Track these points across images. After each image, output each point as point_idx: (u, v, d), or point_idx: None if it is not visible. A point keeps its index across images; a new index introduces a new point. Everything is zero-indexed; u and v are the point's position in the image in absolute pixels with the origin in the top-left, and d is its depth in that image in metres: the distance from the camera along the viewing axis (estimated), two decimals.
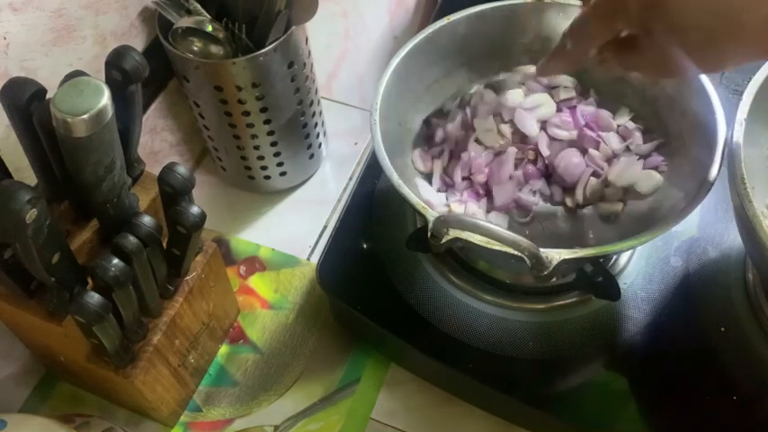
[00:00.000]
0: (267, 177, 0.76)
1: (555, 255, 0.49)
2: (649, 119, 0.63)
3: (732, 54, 0.44)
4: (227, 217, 0.78)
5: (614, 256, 0.62)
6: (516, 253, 0.48)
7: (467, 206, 0.61)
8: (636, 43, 0.48)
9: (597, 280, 0.57)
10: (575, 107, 0.63)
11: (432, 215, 0.51)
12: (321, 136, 0.78)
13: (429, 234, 0.50)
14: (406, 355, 0.65)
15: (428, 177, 0.64)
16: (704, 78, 0.56)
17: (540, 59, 0.57)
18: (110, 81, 0.48)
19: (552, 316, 0.61)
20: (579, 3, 0.62)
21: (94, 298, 0.46)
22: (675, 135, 0.60)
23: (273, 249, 0.75)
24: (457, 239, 0.50)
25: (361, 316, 0.62)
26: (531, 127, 0.62)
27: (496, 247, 0.49)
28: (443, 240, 0.50)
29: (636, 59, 0.49)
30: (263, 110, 0.67)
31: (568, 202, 0.61)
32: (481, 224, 0.49)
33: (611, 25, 0.47)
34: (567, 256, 0.49)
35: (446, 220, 0.50)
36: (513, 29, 0.65)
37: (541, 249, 0.48)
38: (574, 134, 0.62)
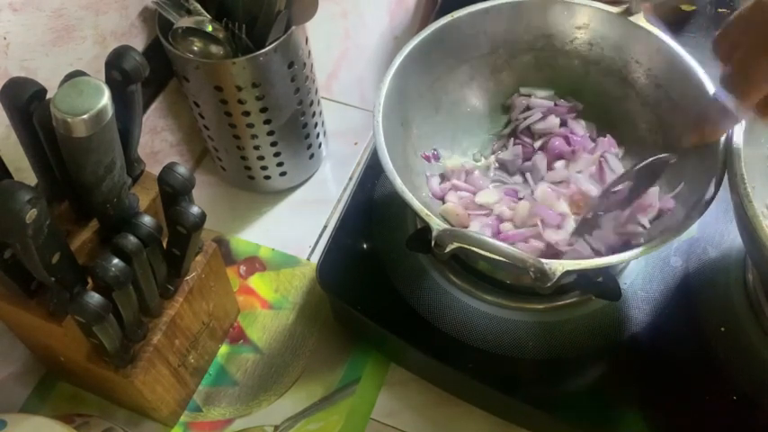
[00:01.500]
0: (267, 177, 0.76)
1: (558, 266, 0.49)
2: (652, 122, 0.63)
3: None
4: (227, 217, 0.78)
5: None
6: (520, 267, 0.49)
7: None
8: None
9: (597, 280, 0.57)
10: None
11: (436, 224, 0.51)
12: (321, 136, 0.78)
13: (433, 243, 0.50)
14: (406, 355, 0.65)
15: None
16: (706, 81, 0.56)
17: (690, 130, 0.53)
18: (110, 81, 0.48)
19: (552, 316, 0.61)
20: (584, 1, 0.62)
21: (94, 298, 0.46)
22: (678, 139, 0.60)
23: (273, 249, 0.75)
24: (461, 248, 0.50)
25: (361, 316, 0.62)
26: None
27: (500, 258, 0.49)
28: (447, 250, 0.50)
29: None
30: (263, 110, 0.67)
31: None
32: (487, 240, 0.49)
33: None
34: (570, 268, 0.49)
35: (452, 234, 0.50)
36: (515, 26, 0.65)
37: (544, 261, 0.48)
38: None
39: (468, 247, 0.50)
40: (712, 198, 0.52)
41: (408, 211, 0.66)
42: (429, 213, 0.52)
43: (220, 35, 0.63)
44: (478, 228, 0.60)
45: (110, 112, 0.44)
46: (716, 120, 0.51)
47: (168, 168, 0.50)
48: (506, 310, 0.61)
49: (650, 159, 0.57)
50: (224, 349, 0.69)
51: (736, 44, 0.44)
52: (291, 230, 0.76)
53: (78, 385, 0.66)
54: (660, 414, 0.57)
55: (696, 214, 0.52)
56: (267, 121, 0.68)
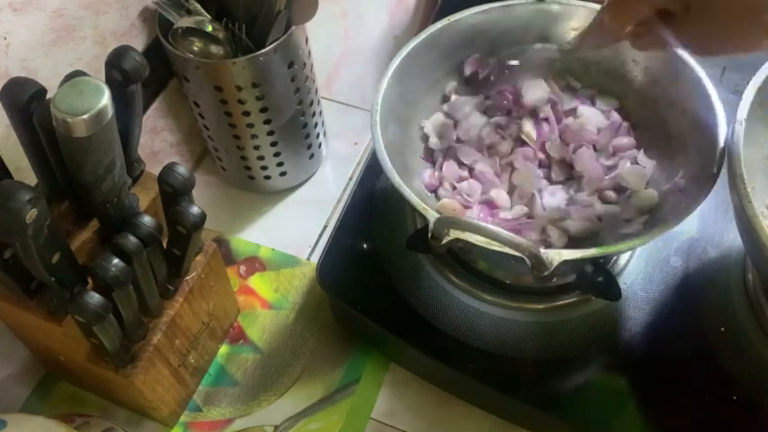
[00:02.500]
0: (267, 177, 0.76)
1: (555, 255, 0.49)
2: (650, 119, 0.63)
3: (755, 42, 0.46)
4: (227, 217, 0.78)
5: (614, 257, 0.62)
6: (517, 254, 0.48)
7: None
8: (673, 18, 0.48)
9: (597, 280, 0.57)
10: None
11: (432, 216, 0.51)
12: (321, 136, 0.78)
13: (429, 235, 0.50)
14: (406, 355, 0.65)
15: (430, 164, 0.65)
16: (704, 78, 0.56)
17: (577, 34, 0.57)
18: (110, 81, 0.48)
19: (552, 316, 0.61)
20: (581, 3, 0.62)
21: (94, 298, 0.46)
22: (676, 135, 0.60)
23: (273, 249, 0.75)
24: (457, 240, 0.50)
25: (361, 316, 0.62)
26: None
27: (497, 247, 0.49)
28: (444, 241, 0.50)
29: (672, 34, 0.48)
30: (263, 110, 0.67)
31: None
32: (482, 226, 0.49)
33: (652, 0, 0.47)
34: (568, 257, 0.49)
35: (447, 222, 0.50)
36: (514, 29, 0.65)
37: (542, 250, 0.48)
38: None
39: (463, 234, 0.49)
40: (707, 193, 0.52)
41: (408, 210, 0.66)
42: (426, 207, 0.52)
43: (220, 35, 0.63)
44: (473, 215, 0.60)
45: (110, 112, 0.44)
46: (597, 30, 0.55)
47: (168, 168, 0.50)
48: (506, 310, 0.61)
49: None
50: (224, 349, 0.69)
51: None
52: (291, 230, 0.76)
53: (78, 385, 0.66)
54: (660, 414, 0.57)
55: (692, 207, 0.51)
56: (267, 121, 0.68)
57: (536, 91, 0.64)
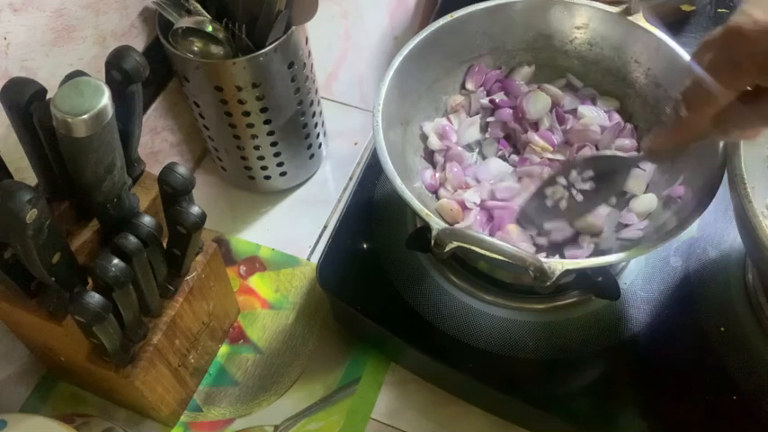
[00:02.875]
0: (267, 177, 0.76)
1: (558, 265, 0.49)
2: (652, 121, 0.63)
3: None
4: (227, 217, 0.78)
5: None
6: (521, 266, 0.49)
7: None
8: (761, 95, 0.42)
9: (597, 280, 0.57)
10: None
11: (436, 224, 0.51)
12: (321, 136, 0.78)
13: (432, 242, 0.50)
14: (406, 355, 0.65)
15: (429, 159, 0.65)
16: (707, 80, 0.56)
17: (649, 135, 0.53)
18: (110, 81, 0.48)
19: (552, 316, 0.61)
20: (584, 1, 0.62)
21: (95, 298, 0.46)
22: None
23: (273, 249, 0.75)
24: (460, 247, 0.50)
25: (361, 316, 0.62)
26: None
27: (500, 258, 0.49)
28: (447, 249, 0.50)
29: (765, 112, 0.43)
30: (264, 110, 0.67)
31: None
32: (486, 240, 0.49)
33: (736, 82, 0.42)
34: (570, 267, 0.49)
35: (450, 234, 0.50)
36: (515, 27, 0.65)
37: (544, 260, 0.48)
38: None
39: (467, 245, 0.50)
40: (711, 198, 0.52)
41: (408, 210, 0.66)
42: (429, 213, 0.52)
43: (220, 35, 0.63)
44: (472, 220, 0.60)
45: (110, 112, 0.44)
46: (676, 128, 0.50)
47: (168, 168, 0.50)
48: (506, 310, 0.61)
49: (611, 154, 0.59)
50: (224, 349, 0.69)
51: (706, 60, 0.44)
52: (291, 230, 0.76)
53: (78, 385, 0.66)
54: (660, 414, 0.57)
55: (695, 214, 0.52)
56: (267, 121, 0.68)
57: (538, 103, 0.64)
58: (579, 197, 0.59)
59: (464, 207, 0.60)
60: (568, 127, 0.63)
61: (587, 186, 0.60)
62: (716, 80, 0.43)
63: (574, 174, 0.60)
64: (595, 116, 0.63)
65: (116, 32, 0.62)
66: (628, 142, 0.62)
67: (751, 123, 0.45)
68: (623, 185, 0.60)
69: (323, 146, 0.79)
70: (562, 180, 0.60)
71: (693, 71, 0.44)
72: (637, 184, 0.60)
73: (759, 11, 0.40)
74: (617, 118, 0.64)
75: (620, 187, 0.60)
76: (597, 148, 0.62)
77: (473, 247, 0.50)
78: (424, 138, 0.65)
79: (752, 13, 0.40)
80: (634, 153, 0.62)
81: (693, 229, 0.64)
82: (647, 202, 0.59)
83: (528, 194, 0.60)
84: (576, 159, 0.61)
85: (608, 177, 0.60)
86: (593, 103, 0.65)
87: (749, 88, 0.43)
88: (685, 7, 0.82)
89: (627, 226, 0.58)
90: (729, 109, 0.44)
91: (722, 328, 0.59)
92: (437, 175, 0.63)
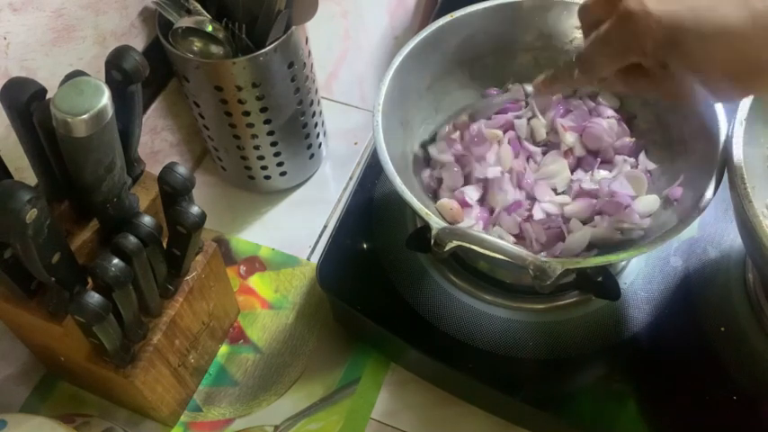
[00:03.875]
0: (267, 177, 0.76)
1: (557, 264, 0.49)
2: (651, 122, 0.63)
3: (753, 91, 0.46)
4: (227, 217, 0.78)
5: None
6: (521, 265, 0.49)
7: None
8: (646, 71, 0.47)
9: (597, 280, 0.57)
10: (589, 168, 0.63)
11: (436, 223, 0.51)
12: (321, 136, 0.78)
13: (432, 242, 0.50)
14: (406, 355, 0.65)
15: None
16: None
17: (539, 77, 0.55)
18: (110, 81, 0.48)
19: (552, 316, 0.61)
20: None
21: (94, 298, 0.46)
22: (677, 138, 0.60)
23: (273, 249, 0.75)
24: (460, 246, 0.50)
25: (361, 316, 0.62)
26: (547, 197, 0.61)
27: (500, 257, 0.49)
28: (447, 248, 0.50)
29: (644, 86, 0.48)
30: (263, 110, 0.67)
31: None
32: (486, 239, 0.49)
33: (624, 59, 0.46)
34: (570, 266, 0.49)
35: (451, 233, 0.50)
36: (515, 27, 0.65)
37: (543, 259, 0.48)
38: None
39: (467, 245, 0.50)
40: (711, 198, 0.52)
41: (408, 210, 0.66)
42: (429, 212, 0.52)
43: (220, 35, 0.63)
44: (473, 219, 0.60)
45: (110, 112, 0.44)
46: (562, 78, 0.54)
47: (168, 168, 0.50)
48: (506, 310, 0.61)
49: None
50: (224, 349, 0.69)
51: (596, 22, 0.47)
52: (291, 230, 0.76)
53: (78, 385, 0.66)
54: (660, 414, 0.57)
55: (695, 213, 0.52)
56: (267, 121, 0.68)
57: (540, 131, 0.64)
58: None
59: (465, 204, 0.60)
60: (586, 130, 0.63)
61: None
62: (607, 52, 0.46)
63: None
64: (605, 122, 0.63)
65: (116, 32, 0.62)
66: (627, 141, 0.62)
67: (641, 90, 0.49)
68: None
69: (323, 146, 0.79)
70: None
71: (584, 21, 0.49)
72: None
73: (653, 0, 0.43)
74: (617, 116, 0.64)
75: None
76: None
77: (473, 246, 0.50)
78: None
79: (645, 1, 0.43)
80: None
81: (693, 229, 0.64)
82: (648, 202, 0.59)
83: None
84: None
85: None
86: (594, 101, 0.65)
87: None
88: None
89: (627, 225, 0.58)
90: (612, 78, 0.49)
91: (722, 328, 0.59)
92: (435, 175, 0.63)
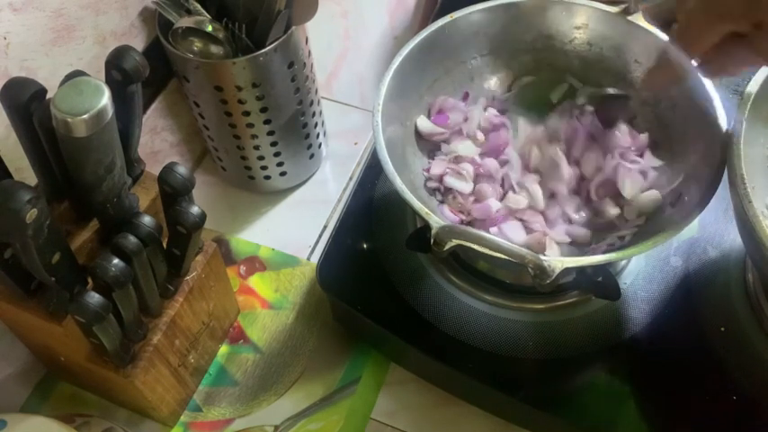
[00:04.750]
0: (267, 177, 0.76)
1: (557, 263, 0.49)
2: (651, 122, 0.63)
3: None
4: (227, 217, 0.78)
5: None
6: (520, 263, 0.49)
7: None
8: (743, 39, 0.46)
9: (597, 280, 0.57)
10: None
11: (436, 222, 0.51)
12: (321, 136, 0.78)
13: (432, 241, 0.50)
14: (406, 355, 0.65)
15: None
16: (705, 80, 0.56)
17: (644, 73, 0.57)
18: (110, 81, 0.48)
19: (552, 316, 0.61)
20: (584, 1, 0.62)
21: (94, 298, 0.46)
22: (677, 138, 0.60)
23: (273, 249, 0.75)
24: (460, 245, 0.50)
25: (361, 316, 0.62)
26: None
27: (500, 255, 0.49)
28: (446, 247, 0.50)
29: (745, 54, 0.47)
30: (263, 110, 0.67)
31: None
32: (486, 237, 0.49)
33: (718, 26, 0.46)
34: (570, 265, 0.49)
35: (450, 232, 0.50)
36: (515, 27, 0.65)
37: (544, 258, 0.48)
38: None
39: (466, 243, 0.50)
40: (711, 197, 0.52)
41: (408, 210, 0.66)
42: (428, 212, 0.52)
43: (220, 35, 0.63)
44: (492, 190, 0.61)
45: (110, 112, 0.44)
46: (666, 68, 0.54)
47: (168, 168, 0.50)
48: (506, 310, 0.61)
49: (607, 91, 0.62)
50: (224, 349, 0.69)
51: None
52: (291, 230, 0.76)
53: (78, 385, 0.66)
54: (660, 414, 0.57)
55: (695, 213, 0.52)
56: (267, 121, 0.68)
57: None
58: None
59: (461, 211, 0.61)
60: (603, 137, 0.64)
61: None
62: (699, 24, 0.47)
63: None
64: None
65: (116, 32, 0.62)
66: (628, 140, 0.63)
67: (745, 62, 0.49)
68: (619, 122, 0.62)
69: (323, 146, 0.79)
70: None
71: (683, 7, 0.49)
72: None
73: None
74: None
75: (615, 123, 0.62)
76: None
77: (472, 245, 0.50)
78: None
79: None
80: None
81: (693, 229, 0.64)
82: (649, 199, 0.59)
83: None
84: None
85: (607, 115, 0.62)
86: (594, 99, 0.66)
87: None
88: None
89: (627, 222, 0.58)
90: (713, 50, 0.48)
91: (722, 328, 0.59)
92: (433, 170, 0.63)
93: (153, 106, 0.71)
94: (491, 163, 0.62)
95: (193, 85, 0.66)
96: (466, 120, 0.65)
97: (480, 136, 0.64)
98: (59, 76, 0.47)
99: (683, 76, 0.53)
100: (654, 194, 0.59)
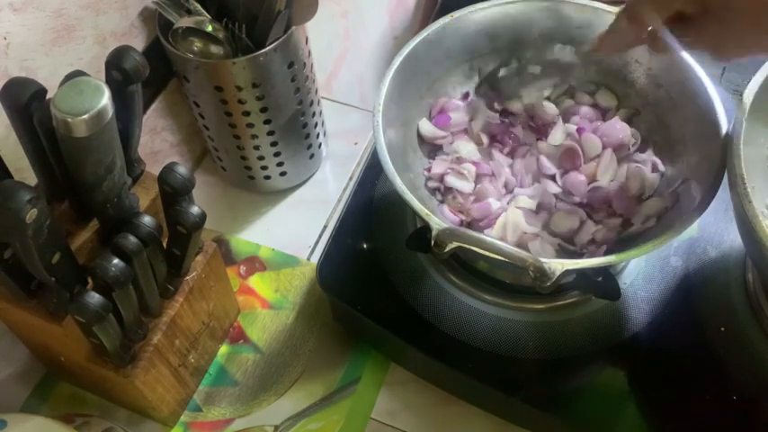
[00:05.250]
0: (267, 177, 0.76)
1: (558, 265, 0.49)
2: (651, 122, 0.63)
3: None
4: (227, 217, 0.78)
5: None
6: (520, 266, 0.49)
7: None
8: (691, 21, 0.48)
9: (597, 280, 0.57)
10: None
11: (436, 224, 0.51)
12: (321, 136, 0.78)
13: (432, 243, 0.50)
14: (406, 355, 0.65)
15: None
16: (705, 79, 0.56)
17: (592, 39, 0.57)
18: (110, 81, 0.48)
19: (552, 316, 0.61)
20: (584, 1, 0.62)
21: (94, 298, 0.46)
22: (678, 139, 0.60)
23: (273, 249, 0.75)
24: (460, 247, 0.50)
25: (361, 316, 0.62)
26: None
27: (500, 258, 0.49)
28: (447, 249, 0.50)
29: (692, 37, 0.49)
30: (263, 110, 0.67)
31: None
32: (486, 240, 0.49)
33: (669, 4, 0.47)
34: (570, 267, 0.49)
35: (450, 234, 0.50)
36: (515, 27, 0.65)
37: (544, 260, 0.48)
38: None
39: (467, 246, 0.50)
40: (711, 198, 0.52)
41: (408, 210, 0.66)
42: (429, 213, 0.52)
43: (220, 35, 0.63)
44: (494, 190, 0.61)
45: (110, 112, 0.44)
46: (615, 33, 0.55)
47: (168, 168, 0.50)
48: (506, 310, 0.61)
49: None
50: (224, 349, 0.69)
51: None
52: (291, 230, 0.76)
53: (78, 385, 0.66)
54: (660, 414, 0.57)
55: (696, 213, 0.52)
56: (267, 121, 0.68)
57: (548, 112, 0.65)
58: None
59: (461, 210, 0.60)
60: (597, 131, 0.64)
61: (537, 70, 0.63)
62: (649, 3, 0.49)
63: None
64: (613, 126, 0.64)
65: (116, 32, 0.62)
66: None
67: (689, 43, 0.50)
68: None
69: (323, 146, 0.79)
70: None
71: None
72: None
73: None
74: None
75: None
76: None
77: (473, 248, 0.50)
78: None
79: None
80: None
81: (693, 229, 0.64)
82: (651, 206, 0.59)
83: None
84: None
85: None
86: (593, 97, 0.66)
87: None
88: None
89: (630, 226, 0.58)
90: (660, 28, 0.50)
91: (722, 328, 0.59)
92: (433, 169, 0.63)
93: (153, 106, 0.71)
94: (494, 163, 0.62)
95: (193, 85, 0.66)
96: (468, 120, 0.65)
97: (484, 138, 0.64)
98: (59, 76, 0.47)
99: (631, 44, 0.55)
100: (656, 200, 0.59)
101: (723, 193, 0.52)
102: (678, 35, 0.49)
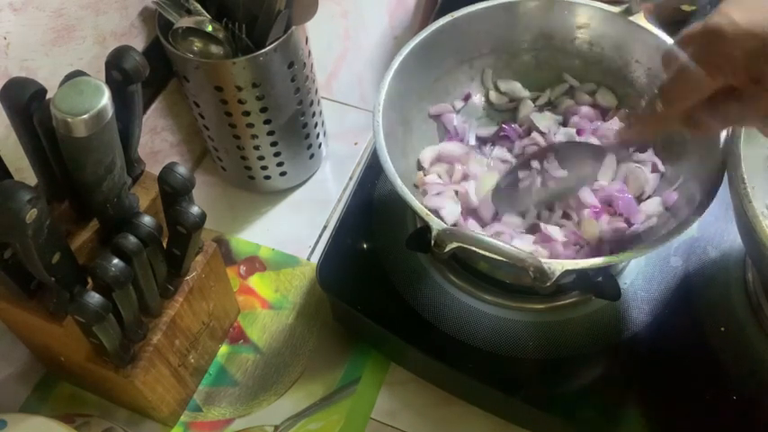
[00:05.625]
0: (267, 177, 0.76)
1: (557, 266, 0.49)
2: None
3: None
4: (227, 217, 0.78)
5: None
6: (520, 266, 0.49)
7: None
8: (735, 95, 0.43)
9: (597, 280, 0.57)
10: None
11: (436, 224, 0.51)
12: (321, 136, 0.78)
13: (432, 243, 0.51)
14: (406, 355, 0.65)
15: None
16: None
17: (623, 122, 0.55)
18: (110, 81, 0.48)
19: (552, 316, 0.61)
20: (585, 1, 0.62)
21: (94, 298, 0.46)
22: (678, 139, 0.60)
23: (273, 249, 0.75)
24: (460, 247, 0.50)
25: (361, 316, 0.62)
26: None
27: (500, 258, 0.49)
28: (446, 249, 0.50)
29: (737, 110, 0.44)
30: (263, 110, 0.67)
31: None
32: (486, 240, 0.49)
33: (712, 81, 0.43)
34: (570, 267, 0.49)
35: (451, 234, 0.50)
36: (516, 26, 0.65)
37: (544, 261, 0.48)
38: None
39: (467, 246, 0.50)
40: (711, 198, 0.52)
41: (408, 210, 0.66)
42: (429, 213, 0.52)
43: (220, 35, 0.63)
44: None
45: (110, 112, 0.44)
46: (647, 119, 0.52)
47: (168, 168, 0.50)
48: (506, 310, 0.61)
49: (586, 141, 0.61)
50: (224, 349, 0.69)
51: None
52: (291, 230, 0.76)
53: (78, 385, 0.66)
54: (660, 414, 0.57)
55: (696, 214, 0.52)
56: (267, 121, 0.68)
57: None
58: (551, 183, 0.60)
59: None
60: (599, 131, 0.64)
61: (560, 174, 0.61)
62: (691, 77, 0.44)
63: (547, 160, 0.61)
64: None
65: (116, 32, 0.62)
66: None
67: (736, 119, 0.47)
68: (597, 173, 0.61)
69: (323, 146, 0.79)
70: (536, 165, 0.61)
71: (670, 66, 0.45)
72: (605, 175, 0.60)
73: (738, 12, 0.41)
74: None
75: (593, 175, 0.61)
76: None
77: (473, 248, 0.50)
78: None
79: (731, 14, 0.41)
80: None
81: (693, 229, 0.64)
82: (651, 206, 0.59)
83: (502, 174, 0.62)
84: (551, 145, 0.62)
85: (581, 165, 0.61)
86: (593, 96, 0.66)
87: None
88: (686, 7, 0.81)
89: (631, 226, 0.58)
90: (700, 107, 0.45)
91: (722, 328, 0.59)
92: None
93: (153, 106, 0.71)
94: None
95: (193, 85, 0.66)
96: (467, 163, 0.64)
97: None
98: (59, 76, 0.47)
99: (668, 129, 0.51)
100: (656, 201, 0.59)
101: (723, 193, 0.52)
102: (725, 111, 0.44)
